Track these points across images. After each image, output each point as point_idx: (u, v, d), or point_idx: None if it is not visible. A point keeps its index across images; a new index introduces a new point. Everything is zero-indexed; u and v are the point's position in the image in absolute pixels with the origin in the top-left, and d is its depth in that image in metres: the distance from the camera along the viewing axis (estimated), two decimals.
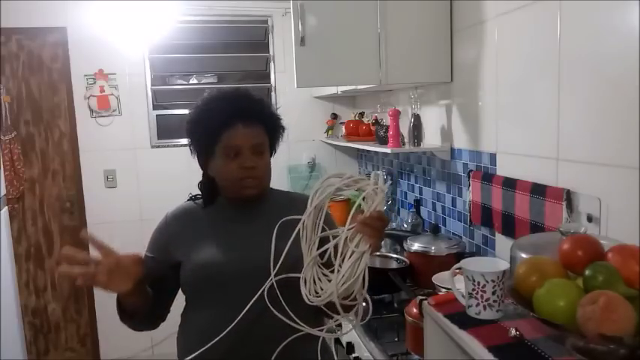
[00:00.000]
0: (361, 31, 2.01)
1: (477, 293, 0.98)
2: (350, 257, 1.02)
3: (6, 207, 2.75)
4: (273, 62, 3.57)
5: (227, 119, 1.28)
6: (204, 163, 1.36)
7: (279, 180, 3.58)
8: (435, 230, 2.00)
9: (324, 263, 1.07)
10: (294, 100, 3.55)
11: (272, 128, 1.35)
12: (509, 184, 1.70)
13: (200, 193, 1.41)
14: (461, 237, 2.16)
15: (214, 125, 1.28)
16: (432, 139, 2.34)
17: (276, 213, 1.31)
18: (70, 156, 3.31)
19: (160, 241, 1.37)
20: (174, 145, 3.43)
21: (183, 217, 1.38)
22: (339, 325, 1.81)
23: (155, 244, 1.38)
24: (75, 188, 3.34)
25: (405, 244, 2.00)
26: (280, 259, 1.10)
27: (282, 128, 1.40)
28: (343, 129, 3.24)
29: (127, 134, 3.34)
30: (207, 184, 1.39)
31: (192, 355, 1.16)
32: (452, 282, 1.07)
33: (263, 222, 1.31)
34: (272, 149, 1.39)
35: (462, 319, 0.99)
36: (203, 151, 1.34)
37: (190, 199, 1.43)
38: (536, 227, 1.56)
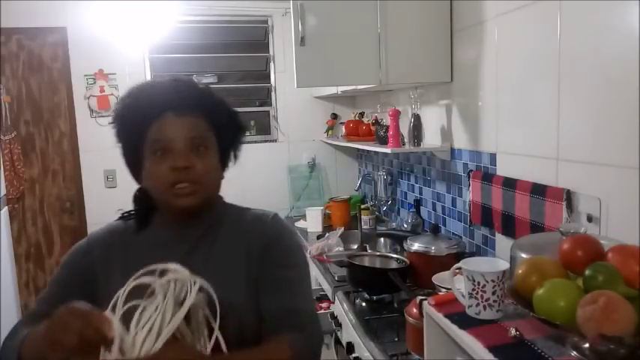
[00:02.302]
0: (361, 31, 2.01)
1: (477, 293, 0.98)
2: None
3: (6, 207, 2.76)
4: (273, 62, 3.57)
5: (154, 107, 1.03)
6: (135, 171, 1.08)
7: (279, 180, 3.60)
8: (435, 230, 2.00)
9: None
10: (294, 100, 3.55)
11: (220, 122, 1.07)
12: (509, 184, 1.70)
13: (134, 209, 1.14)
14: (461, 237, 2.16)
15: (139, 116, 1.03)
16: (432, 139, 2.34)
17: (227, 240, 1.08)
18: (70, 156, 3.31)
19: (76, 268, 1.08)
20: None
21: (109, 241, 1.10)
22: (340, 325, 1.80)
23: (68, 271, 1.09)
24: (75, 188, 3.34)
25: (405, 244, 1.99)
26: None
27: (238, 124, 1.13)
28: (343, 129, 3.24)
29: None
30: (141, 198, 1.11)
31: None
32: (452, 282, 1.07)
33: (211, 252, 1.07)
34: (225, 152, 1.10)
35: (462, 319, 1.00)
36: (131, 152, 1.07)
37: (121, 217, 1.15)
38: (536, 227, 1.56)
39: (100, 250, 1.09)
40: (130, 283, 0.87)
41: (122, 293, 0.87)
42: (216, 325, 0.89)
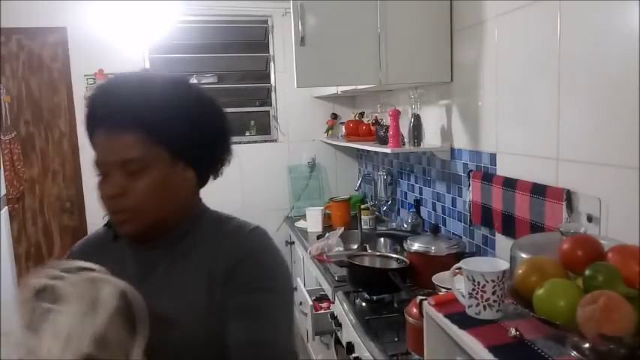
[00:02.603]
0: (361, 31, 2.01)
1: (477, 293, 0.98)
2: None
3: (6, 207, 2.76)
4: (273, 62, 3.57)
5: (90, 121, 0.93)
6: None
7: (279, 180, 3.60)
8: (435, 230, 2.00)
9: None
10: (294, 100, 3.55)
11: (176, 133, 0.91)
12: (509, 184, 1.70)
13: None
14: (461, 237, 2.16)
15: (87, 132, 0.94)
16: (432, 139, 2.34)
17: (198, 254, 0.97)
18: (70, 156, 3.31)
19: None
20: None
21: (88, 249, 1.05)
22: (340, 325, 1.79)
23: None
24: (75, 188, 3.34)
25: (405, 244, 1.99)
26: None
27: (214, 130, 0.97)
28: (343, 129, 3.24)
29: None
30: None
31: None
32: (452, 282, 1.07)
33: (177, 267, 0.97)
34: (200, 162, 0.97)
35: (462, 319, 1.00)
36: None
37: (107, 223, 1.04)
38: (536, 227, 1.56)
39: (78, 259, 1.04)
40: (35, 283, 0.77)
41: (23, 295, 0.77)
42: (140, 340, 0.77)
